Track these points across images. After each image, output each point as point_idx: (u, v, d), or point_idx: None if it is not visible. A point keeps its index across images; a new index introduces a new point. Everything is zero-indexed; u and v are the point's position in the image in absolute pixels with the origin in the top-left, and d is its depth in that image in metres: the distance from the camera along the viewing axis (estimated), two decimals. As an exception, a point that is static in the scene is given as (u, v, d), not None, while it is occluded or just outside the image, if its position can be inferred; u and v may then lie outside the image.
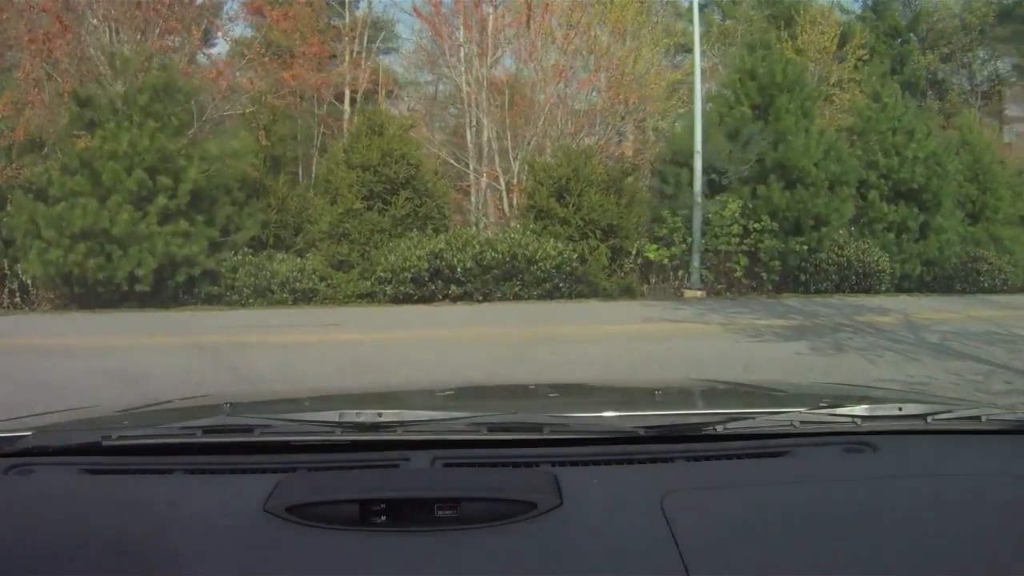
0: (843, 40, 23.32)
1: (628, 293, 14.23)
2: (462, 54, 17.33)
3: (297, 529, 1.08)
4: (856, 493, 1.20)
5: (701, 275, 14.43)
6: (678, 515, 1.05)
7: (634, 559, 1.01)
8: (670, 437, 1.37)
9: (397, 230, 13.78)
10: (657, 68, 19.61)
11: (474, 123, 17.34)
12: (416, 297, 12.85)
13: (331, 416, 1.57)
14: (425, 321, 10.92)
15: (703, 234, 14.54)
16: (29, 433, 1.47)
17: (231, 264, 13.21)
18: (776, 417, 1.52)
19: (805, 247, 15.22)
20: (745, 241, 14.60)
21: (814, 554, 1.03)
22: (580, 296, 13.46)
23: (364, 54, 21.66)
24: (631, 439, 1.35)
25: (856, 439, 1.40)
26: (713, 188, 14.97)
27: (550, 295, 13.21)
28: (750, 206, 15.23)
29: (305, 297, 13.39)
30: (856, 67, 22.48)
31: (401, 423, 1.44)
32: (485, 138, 16.80)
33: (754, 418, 1.54)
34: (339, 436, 1.40)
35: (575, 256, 13.36)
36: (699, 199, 14.47)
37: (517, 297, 13.18)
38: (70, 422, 1.77)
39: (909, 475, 1.28)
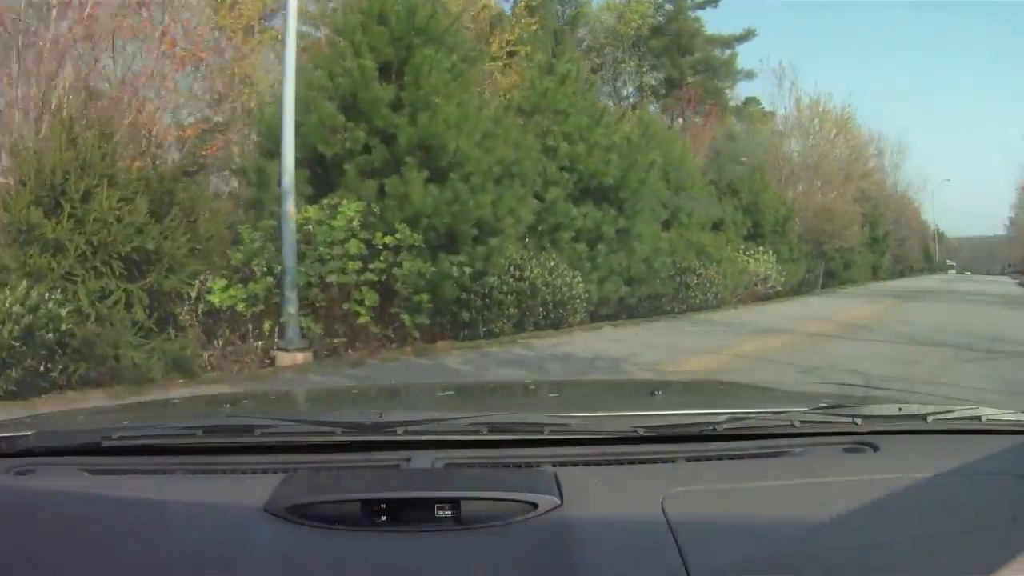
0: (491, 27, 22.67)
1: (181, 369, 9.22)
2: None
3: (298, 529, 1.17)
4: (856, 493, 1.30)
5: (302, 326, 10.17)
6: (678, 515, 1.18)
7: (634, 559, 1.11)
8: (670, 437, 1.51)
9: None
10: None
11: None
12: None
13: (332, 416, 1.68)
14: None
15: (301, 258, 10.32)
16: (29, 433, 1.56)
17: None
18: (776, 417, 1.64)
19: (467, 269, 11.57)
20: (371, 266, 10.63)
21: (814, 554, 1.15)
22: (83, 384, 8.26)
23: None
24: (631, 439, 1.48)
25: (856, 439, 1.52)
26: (320, 185, 11.24)
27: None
28: (376, 210, 11.08)
29: None
30: (508, 57, 21.75)
31: (402, 423, 1.52)
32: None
33: (754, 418, 1.65)
34: (340, 436, 1.48)
35: (66, 311, 8.20)
36: (289, 203, 10.18)
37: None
38: (70, 422, 1.93)
39: (909, 475, 1.39)
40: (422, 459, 1.38)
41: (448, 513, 1.17)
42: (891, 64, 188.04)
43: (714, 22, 63.33)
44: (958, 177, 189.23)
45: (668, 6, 40.77)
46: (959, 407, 1.75)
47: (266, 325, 9.86)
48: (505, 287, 11.89)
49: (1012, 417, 1.64)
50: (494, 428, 1.46)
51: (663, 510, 1.17)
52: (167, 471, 1.41)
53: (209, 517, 1.21)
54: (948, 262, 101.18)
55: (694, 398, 2.32)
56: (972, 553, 1.12)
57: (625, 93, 35.51)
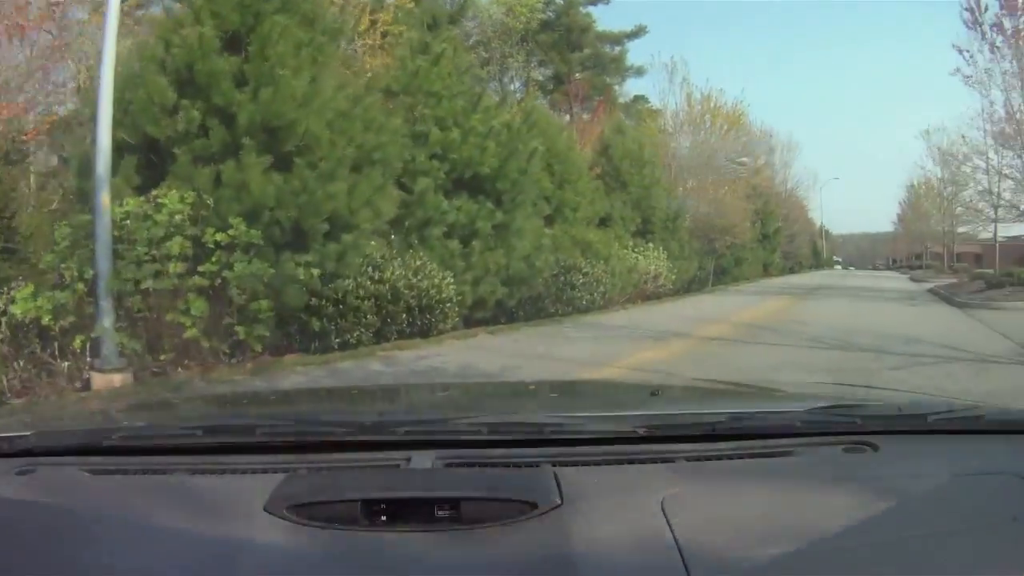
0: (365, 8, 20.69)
1: (-22, 393, 9.04)
2: None
3: (298, 529, 1.21)
4: (856, 493, 1.37)
5: (119, 342, 8.47)
6: (678, 515, 1.23)
7: (634, 559, 1.16)
8: (670, 437, 1.57)
9: None
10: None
11: None
12: None
13: (332, 416, 1.77)
14: None
15: (116, 259, 8.63)
16: (29, 433, 1.61)
17: None
18: (776, 417, 1.71)
19: (316, 271, 10.14)
20: (201, 268, 9.15)
21: (814, 554, 1.20)
22: None
23: None
24: (631, 439, 1.54)
25: (856, 439, 1.56)
26: (153, 174, 9.56)
27: None
28: (210, 201, 9.49)
29: None
30: (382, 38, 19.83)
31: (402, 423, 1.63)
32: None
33: (754, 418, 1.72)
34: (340, 436, 1.55)
35: None
36: (103, 194, 8.41)
37: None
38: (71, 422, 2.07)
39: (909, 475, 1.47)
40: (422, 459, 1.42)
41: (448, 513, 1.22)
42: (786, 66, 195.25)
43: (605, 19, 63.48)
44: (848, 176, 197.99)
45: (559, 1, 41.30)
46: (959, 407, 1.83)
47: (77, 341, 8.44)
48: (362, 291, 11.02)
49: (1012, 417, 1.72)
50: (494, 428, 1.52)
51: (663, 510, 1.22)
52: (167, 471, 1.44)
53: (209, 517, 1.24)
54: (834, 258, 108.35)
55: (694, 398, 2.37)
56: (972, 553, 1.18)
57: (512, 88, 35.24)
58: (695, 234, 30.64)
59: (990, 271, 32.03)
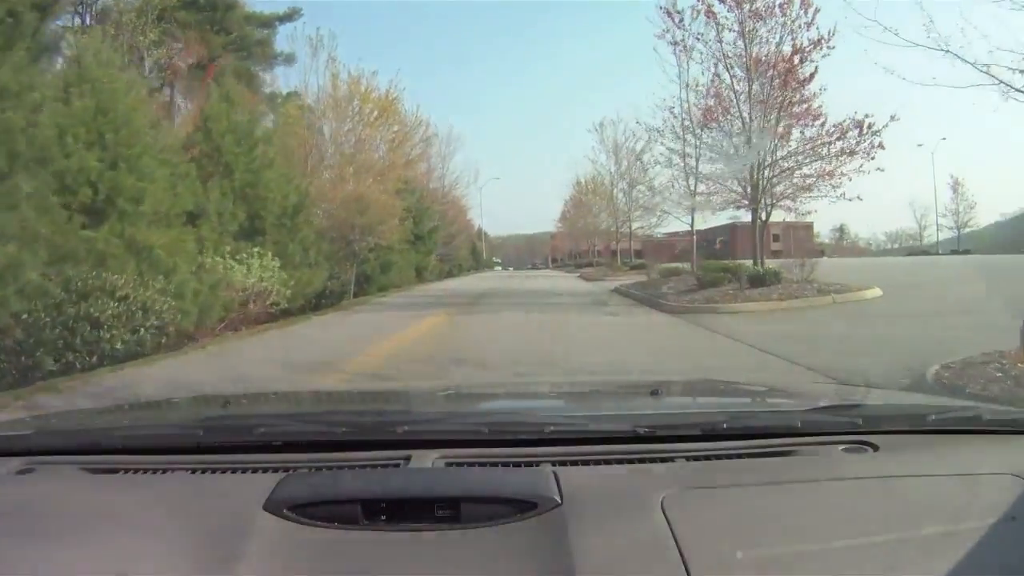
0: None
1: None
2: None
3: (297, 529, 1.22)
4: (856, 493, 1.40)
5: None
6: (678, 515, 1.24)
7: (634, 559, 1.16)
8: (670, 437, 1.58)
9: None
10: None
11: None
12: None
13: (332, 415, 1.80)
14: None
15: None
16: (29, 433, 1.71)
17: None
18: (776, 416, 1.72)
19: None
20: None
21: (814, 553, 1.21)
22: None
23: None
24: (631, 438, 1.55)
25: (856, 439, 1.58)
26: None
27: None
28: None
29: None
30: None
31: (402, 422, 1.64)
32: None
33: (754, 417, 1.73)
34: (340, 435, 1.58)
35: None
36: None
37: None
38: (70, 422, 2.04)
39: (909, 475, 1.47)
40: (422, 458, 1.43)
41: (448, 512, 1.23)
42: (467, 66, 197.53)
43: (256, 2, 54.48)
44: (513, 179, 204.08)
45: (204, -26, 36.83)
46: (958, 407, 1.84)
47: None
48: None
49: (1012, 416, 1.73)
50: (495, 427, 1.53)
51: (663, 510, 1.22)
52: (167, 470, 1.45)
53: (208, 516, 1.25)
54: (495, 259, 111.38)
55: (694, 397, 2.40)
56: (972, 553, 1.18)
57: (148, 67, 28.00)
58: (329, 235, 25.53)
59: (678, 265, 29.51)
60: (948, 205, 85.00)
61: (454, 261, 62.45)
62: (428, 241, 44.33)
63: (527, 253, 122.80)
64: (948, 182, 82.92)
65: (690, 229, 27.97)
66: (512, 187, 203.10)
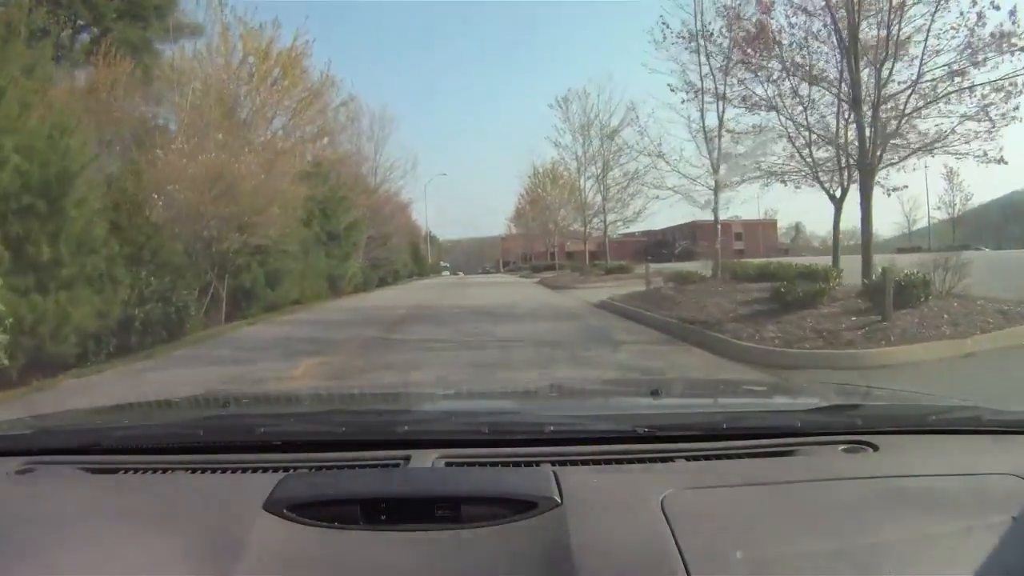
0: None
1: None
2: None
3: (297, 528, 1.22)
4: (856, 493, 1.39)
5: None
6: (678, 515, 1.24)
7: (634, 559, 1.16)
8: (670, 437, 1.57)
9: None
10: None
11: None
12: None
13: (332, 414, 1.81)
14: None
15: None
16: (29, 433, 1.70)
17: None
18: (776, 416, 1.70)
19: None
20: None
21: (814, 554, 1.21)
22: None
23: None
24: (631, 438, 1.55)
25: (856, 439, 1.57)
26: None
27: None
28: None
29: None
30: None
31: (402, 422, 1.65)
32: None
33: (754, 417, 1.71)
34: (340, 435, 1.58)
35: None
36: None
37: None
38: (70, 422, 2.01)
39: (909, 475, 1.47)
40: (422, 458, 1.43)
41: (448, 512, 1.22)
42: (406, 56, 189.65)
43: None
44: (463, 182, 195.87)
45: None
46: (958, 407, 1.83)
47: None
48: None
49: (1012, 417, 1.72)
50: (495, 427, 1.52)
51: (663, 510, 1.22)
52: (167, 469, 1.45)
53: (208, 515, 1.25)
54: (442, 263, 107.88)
55: (694, 397, 2.38)
56: (972, 553, 1.18)
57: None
58: (164, 230, 17.28)
59: (687, 267, 21.47)
60: (942, 196, 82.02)
61: (390, 267, 52.28)
62: (345, 242, 35.38)
63: (478, 256, 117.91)
64: (941, 172, 76.77)
65: (667, 227, 20.68)
66: (467, 189, 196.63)
